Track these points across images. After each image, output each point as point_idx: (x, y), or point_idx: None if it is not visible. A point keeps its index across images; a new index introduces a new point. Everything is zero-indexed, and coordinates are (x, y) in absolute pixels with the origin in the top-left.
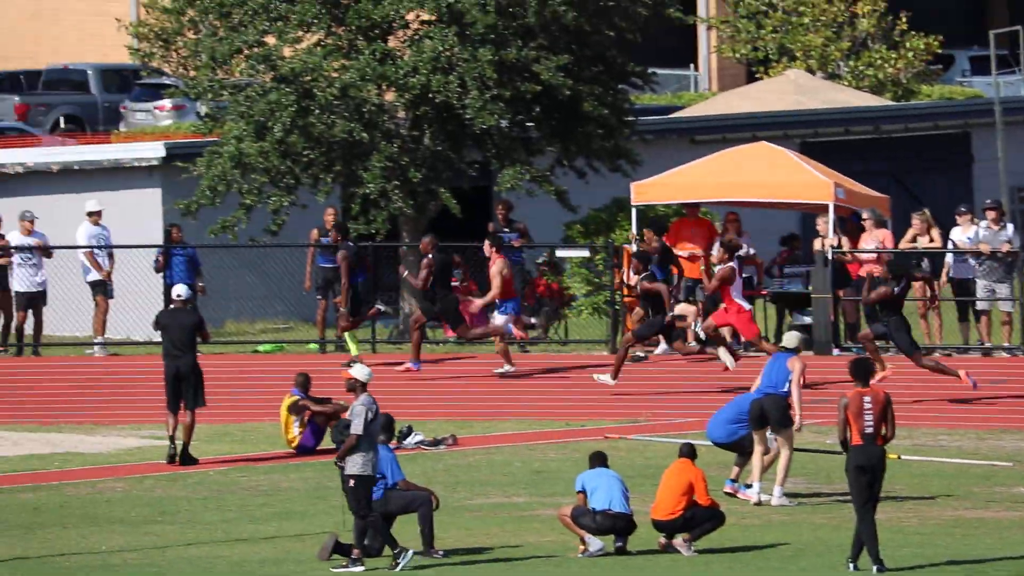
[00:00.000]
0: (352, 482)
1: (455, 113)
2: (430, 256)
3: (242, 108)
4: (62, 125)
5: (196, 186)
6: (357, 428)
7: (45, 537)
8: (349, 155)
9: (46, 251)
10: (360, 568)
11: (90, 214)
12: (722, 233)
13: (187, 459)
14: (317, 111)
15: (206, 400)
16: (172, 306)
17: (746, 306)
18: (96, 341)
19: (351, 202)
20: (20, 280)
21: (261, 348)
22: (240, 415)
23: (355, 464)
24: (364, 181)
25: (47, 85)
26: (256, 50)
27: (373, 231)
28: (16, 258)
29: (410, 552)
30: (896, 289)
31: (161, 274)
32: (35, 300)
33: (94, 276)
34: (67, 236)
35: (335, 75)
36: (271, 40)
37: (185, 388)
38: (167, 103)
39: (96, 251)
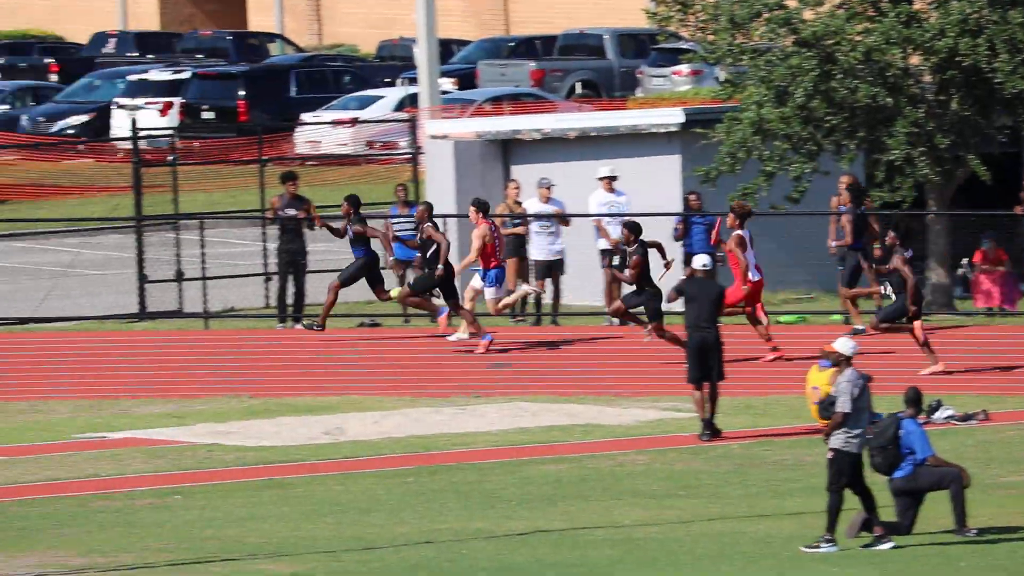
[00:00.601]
0: (831, 455)
1: (984, 77)
2: (429, 224)
3: (762, 73)
4: (578, 91)
5: (715, 153)
6: (844, 406)
7: (566, 509)
8: (873, 121)
9: (564, 219)
10: (888, 545)
11: (602, 179)
12: None
13: (711, 432)
14: (840, 75)
15: (725, 373)
16: (696, 276)
17: (754, 277)
18: (607, 311)
19: (875, 169)
20: (538, 248)
21: (783, 319)
22: (762, 388)
23: (837, 439)
24: (888, 147)
25: (563, 51)
26: (777, 13)
27: (899, 199)
28: (534, 226)
29: (890, 545)
30: (907, 255)
31: (680, 243)
32: (553, 268)
33: (604, 244)
34: (584, 203)
35: (858, 38)
36: (792, 3)
37: (711, 361)
38: (684, 68)
39: (607, 219)
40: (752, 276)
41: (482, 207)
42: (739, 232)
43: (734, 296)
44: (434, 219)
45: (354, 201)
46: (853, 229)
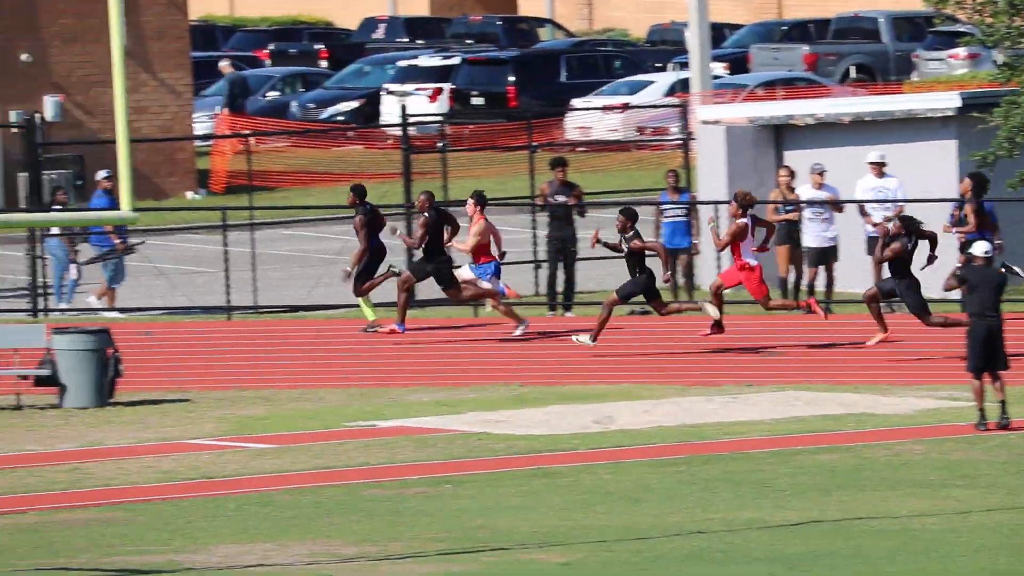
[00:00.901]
0: None
1: None
2: (426, 215)
3: None
4: (852, 75)
5: (992, 137)
6: None
7: (841, 499)
8: None
9: (837, 205)
10: None
11: (871, 164)
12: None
13: (1005, 422)
14: None
15: (1009, 362)
16: (976, 263)
17: (752, 263)
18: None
19: None
20: (811, 235)
21: None
22: None
23: None
24: None
25: (837, 34)
26: None
27: None
28: (807, 212)
29: None
30: (908, 246)
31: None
32: (826, 256)
33: (872, 229)
34: (855, 190)
35: None
36: None
37: (996, 350)
38: (961, 51)
39: (873, 205)
40: (751, 262)
41: (481, 200)
42: (743, 220)
43: (732, 280)
44: (435, 208)
45: (360, 191)
46: (977, 219)
